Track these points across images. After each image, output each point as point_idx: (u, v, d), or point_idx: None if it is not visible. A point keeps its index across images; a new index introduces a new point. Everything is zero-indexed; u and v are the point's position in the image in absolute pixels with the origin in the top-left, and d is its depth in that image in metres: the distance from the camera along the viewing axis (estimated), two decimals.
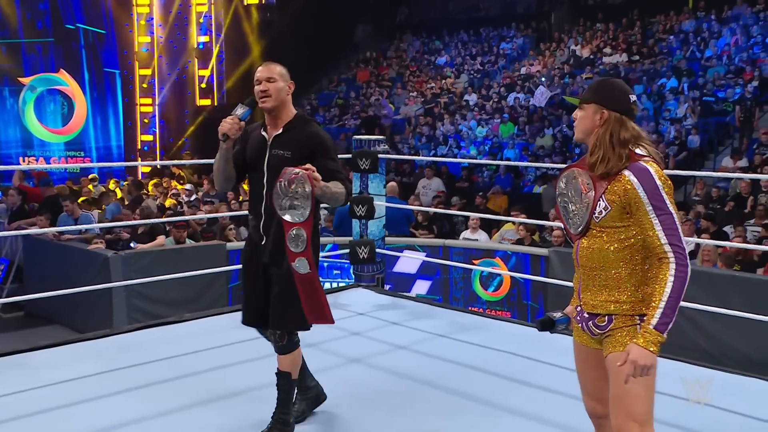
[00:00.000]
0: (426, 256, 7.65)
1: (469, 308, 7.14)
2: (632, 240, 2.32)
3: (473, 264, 7.41)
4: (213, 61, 21.32)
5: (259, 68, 3.14)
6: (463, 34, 22.52)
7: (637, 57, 17.42)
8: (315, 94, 22.18)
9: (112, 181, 15.06)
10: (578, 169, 2.44)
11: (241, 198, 11.14)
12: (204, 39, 21.33)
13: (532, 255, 6.95)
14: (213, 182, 3.11)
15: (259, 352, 4.13)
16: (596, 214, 2.34)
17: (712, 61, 15.75)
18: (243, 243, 3.39)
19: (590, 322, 2.40)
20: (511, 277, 6.79)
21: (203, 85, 21.31)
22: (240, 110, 3.06)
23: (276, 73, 3.11)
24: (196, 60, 21.22)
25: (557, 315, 2.60)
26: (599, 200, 2.34)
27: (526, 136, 15.84)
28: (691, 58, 16.32)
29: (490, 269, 7.12)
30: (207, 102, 21.25)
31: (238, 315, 3.39)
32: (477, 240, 8.65)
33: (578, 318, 2.47)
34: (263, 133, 3.15)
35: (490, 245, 8.16)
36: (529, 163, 13.87)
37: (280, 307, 3.10)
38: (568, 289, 5.93)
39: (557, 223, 6.55)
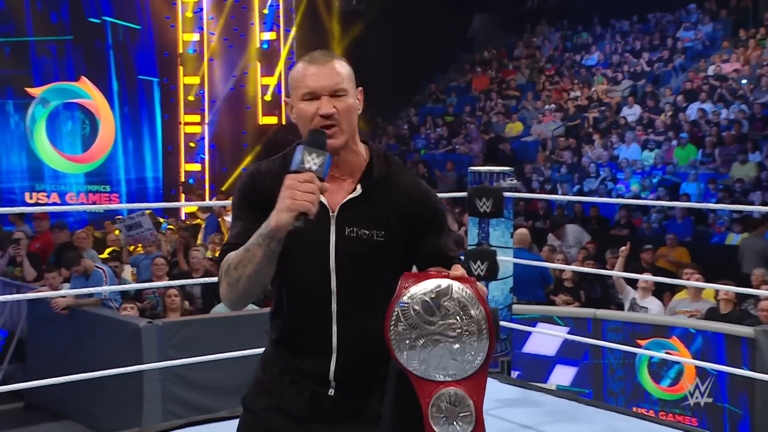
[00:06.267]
0: (569, 332, 7.55)
1: (634, 408, 6.96)
2: None
3: (638, 346, 7.25)
4: (281, 65, 21.52)
5: (306, 67, 2.36)
6: (622, 21, 22.40)
7: None
8: (415, 109, 22.47)
9: None
10: None
11: None
12: (269, 36, 21.58)
13: (727, 335, 6.70)
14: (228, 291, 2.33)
15: None
16: None
17: None
18: None
19: None
20: (697, 366, 6.56)
21: (267, 98, 21.42)
22: (314, 159, 2.15)
23: (344, 76, 2.36)
24: (258, 64, 21.47)
25: None
26: None
27: (716, 164, 15.51)
28: None
29: (663, 354, 6.91)
30: (272, 120, 21.38)
31: None
32: (646, 310, 8.43)
33: None
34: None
35: (664, 319, 7.94)
36: (721, 206, 13.42)
37: None
38: None
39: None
